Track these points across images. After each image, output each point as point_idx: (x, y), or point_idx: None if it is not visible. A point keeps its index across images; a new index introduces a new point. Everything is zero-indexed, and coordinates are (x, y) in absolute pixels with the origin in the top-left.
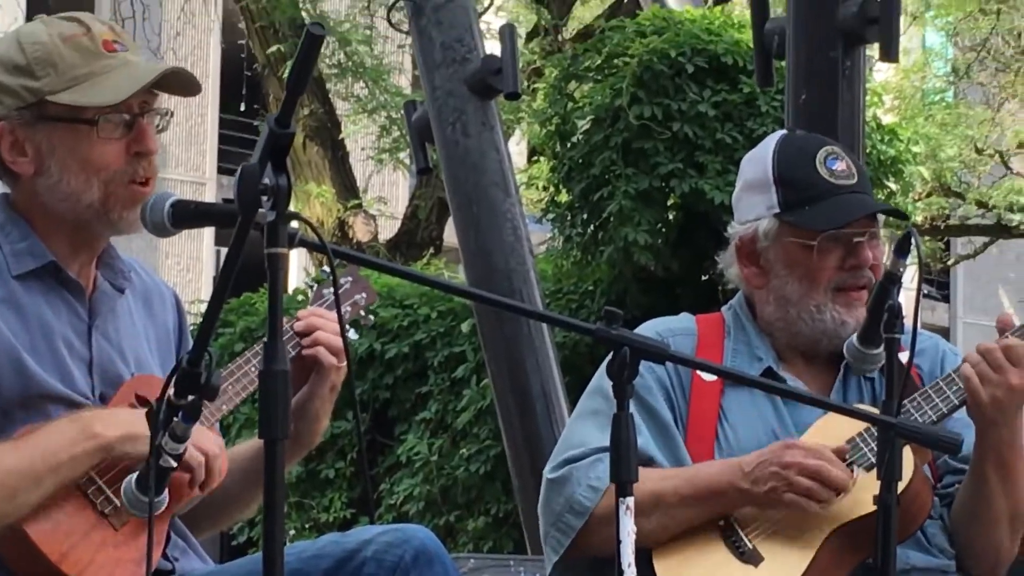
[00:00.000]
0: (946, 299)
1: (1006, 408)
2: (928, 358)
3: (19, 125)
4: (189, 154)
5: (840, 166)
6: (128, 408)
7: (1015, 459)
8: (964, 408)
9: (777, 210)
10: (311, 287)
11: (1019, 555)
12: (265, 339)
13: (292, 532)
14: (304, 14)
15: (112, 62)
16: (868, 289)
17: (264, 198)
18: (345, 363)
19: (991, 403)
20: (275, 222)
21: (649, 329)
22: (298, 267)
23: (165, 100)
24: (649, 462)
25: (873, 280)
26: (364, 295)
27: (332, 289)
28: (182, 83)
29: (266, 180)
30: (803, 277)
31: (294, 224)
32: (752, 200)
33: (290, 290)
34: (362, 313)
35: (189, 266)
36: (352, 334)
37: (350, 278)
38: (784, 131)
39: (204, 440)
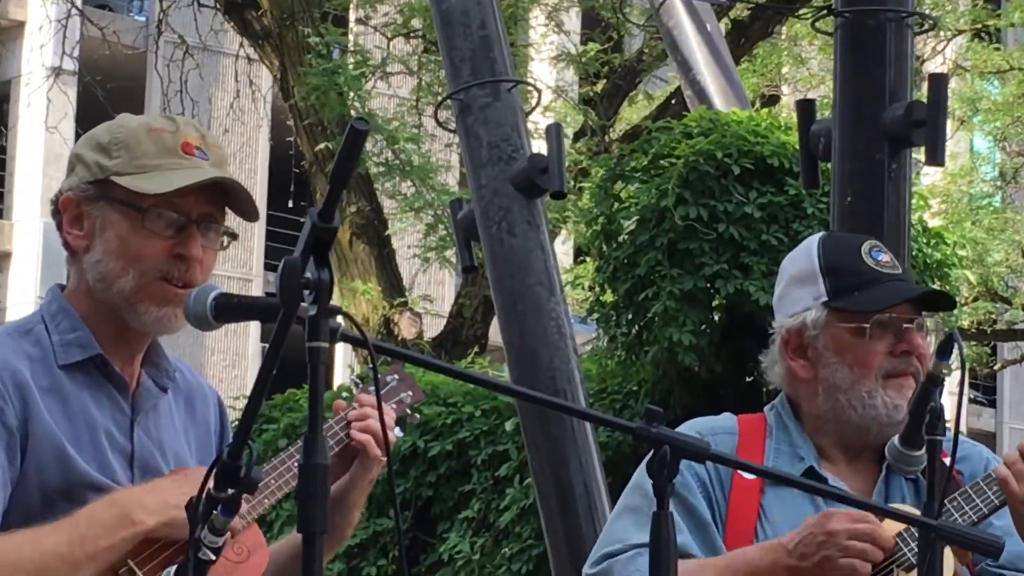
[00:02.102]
0: (992, 404)
1: None
2: (971, 464)
3: (83, 199)
4: (236, 250)
5: (884, 258)
6: (165, 482)
7: None
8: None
9: (825, 299)
10: (356, 384)
11: None
12: (306, 433)
13: None
14: (352, 112)
15: (183, 162)
16: (915, 378)
17: (306, 292)
18: (385, 458)
19: None
20: (316, 316)
21: (690, 428)
22: (343, 365)
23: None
24: (688, 559)
25: (920, 370)
26: (410, 393)
27: (375, 389)
28: (241, 203)
29: (308, 274)
30: (854, 363)
31: (339, 320)
32: (798, 293)
33: (335, 387)
34: (408, 411)
35: (234, 362)
36: (397, 432)
37: (396, 376)
38: (824, 232)
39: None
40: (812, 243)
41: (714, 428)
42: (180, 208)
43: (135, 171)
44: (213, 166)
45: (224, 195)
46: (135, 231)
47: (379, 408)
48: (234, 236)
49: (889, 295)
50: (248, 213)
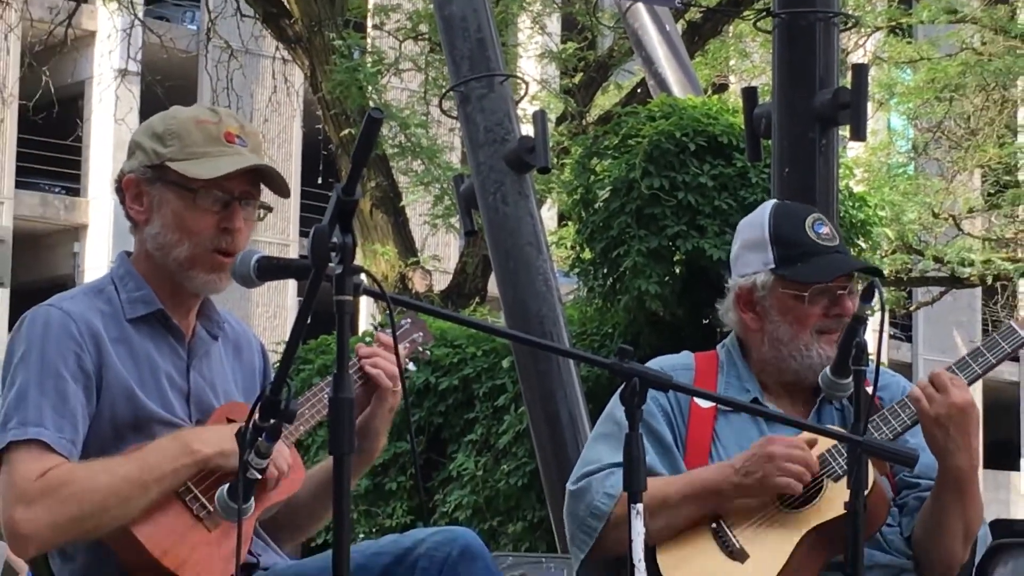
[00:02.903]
0: (909, 339)
1: (949, 426)
2: (891, 391)
3: (143, 180)
4: (276, 220)
5: (825, 230)
6: (219, 425)
7: (970, 485)
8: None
9: (772, 266)
10: (375, 328)
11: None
12: (334, 372)
13: (361, 536)
14: (370, 103)
15: (226, 149)
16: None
17: (333, 254)
18: (399, 388)
19: (935, 420)
20: (342, 274)
21: (654, 365)
22: (367, 315)
23: (267, 197)
24: (654, 476)
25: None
26: (421, 334)
27: (392, 332)
28: (276, 183)
29: (335, 239)
30: (793, 322)
31: (362, 277)
32: (750, 257)
33: (360, 332)
34: (420, 349)
35: (276, 313)
36: (411, 367)
37: (409, 320)
38: (775, 201)
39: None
40: (764, 212)
41: (674, 365)
42: (225, 188)
43: (186, 157)
44: (251, 151)
45: (261, 176)
46: (188, 208)
47: (395, 347)
48: (269, 209)
49: (826, 269)
50: (281, 191)
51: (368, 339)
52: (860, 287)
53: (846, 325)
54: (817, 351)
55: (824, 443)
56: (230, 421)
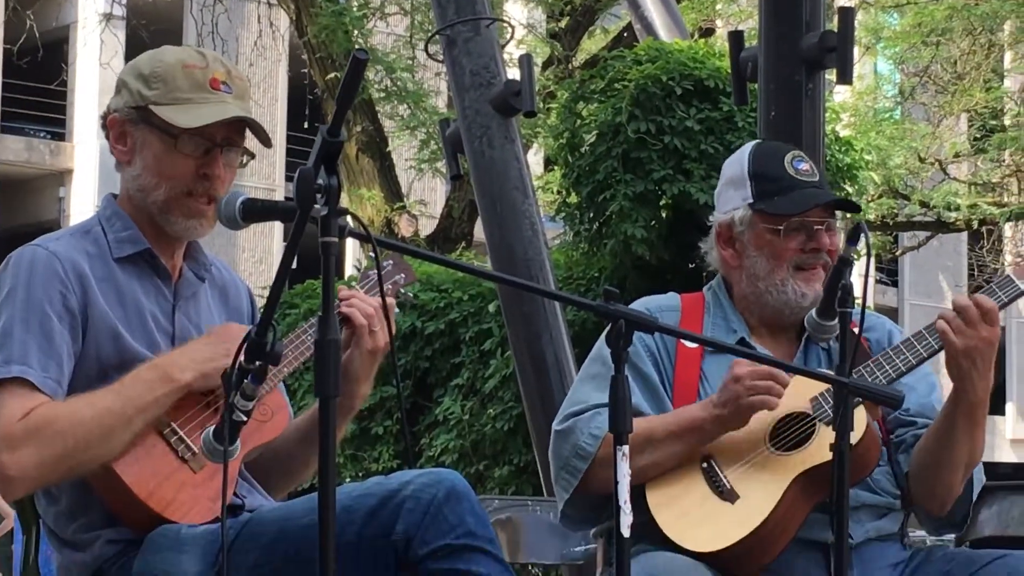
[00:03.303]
0: (895, 284)
1: (976, 358)
2: (877, 332)
3: (127, 120)
4: (262, 165)
5: (804, 167)
6: (195, 343)
7: (982, 414)
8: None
9: (751, 200)
10: (358, 269)
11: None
12: (319, 314)
13: (347, 479)
14: (356, 47)
15: (211, 97)
16: (825, 269)
17: (318, 196)
18: (378, 329)
19: (963, 352)
20: (327, 216)
21: (641, 305)
22: (352, 260)
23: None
24: (640, 416)
25: (830, 263)
26: (404, 275)
27: (375, 271)
28: (258, 133)
29: (320, 181)
30: (770, 256)
31: (347, 219)
32: (730, 194)
33: (345, 277)
34: (402, 290)
35: (262, 258)
36: (394, 308)
37: (392, 262)
38: (758, 140)
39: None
40: (745, 150)
41: (661, 305)
42: (207, 134)
43: (170, 102)
44: (236, 98)
45: (245, 121)
46: (168, 152)
47: (380, 286)
48: (252, 156)
49: (802, 201)
50: (263, 140)
51: (353, 284)
52: (844, 228)
53: (832, 267)
54: (792, 287)
55: (816, 387)
56: None
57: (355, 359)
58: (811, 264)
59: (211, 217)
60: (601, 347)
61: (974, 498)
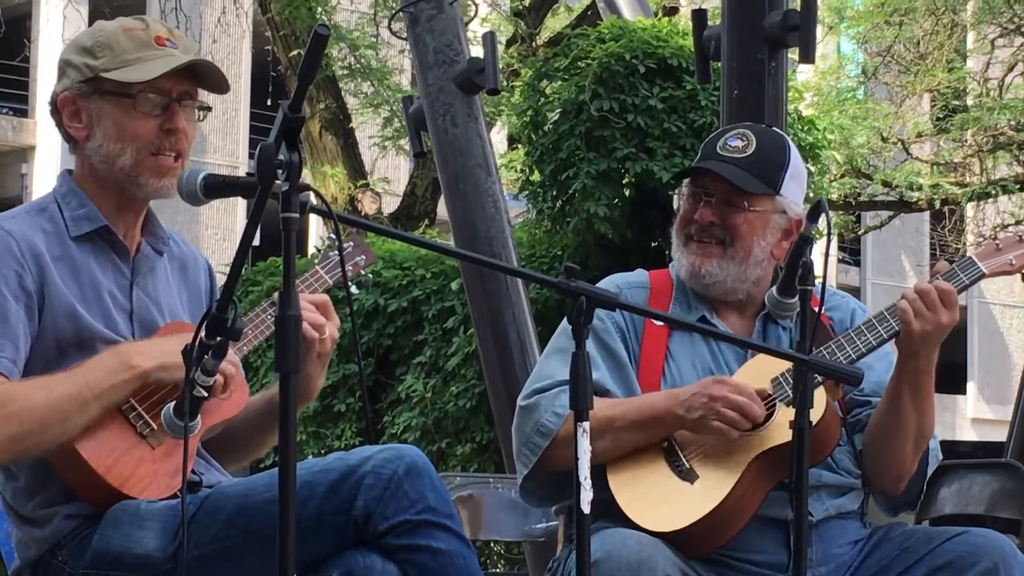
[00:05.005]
0: (857, 263)
1: (931, 341)
2: (840, 311)
3: (79, 96)
4: (225, 142)
5: (736, 143)
6: (161, 338)
7: (928, 383)
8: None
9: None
10: (318, 251)
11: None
12: (280, 289)
13: (310, 456)
14: (319, 23)
15: (158, 52)
16: (722, 243)
17: (280, 171)
18: (327, 335)
19: (921, 335)
20: (288, 191)
21: (610, 283)
22: (315, 238)
23: (206, 98)
24: (605, 393)
25: (726, 237)
26: (364, 257)
27: (336, 252)
28: (214, 79)
29: (281, 156)
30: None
31: (311, 196)
32: None
33: (308, 255)
34: (362, 272)
35: (225, 236)
36: (354, 289)
37: (352, 243)
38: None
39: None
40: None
41: (629, 282)
42: (162, 90)
43: (120, 65)
44: (183, 52)
45: (197, 77)
46: (127, 115)
47: (342, 265)
48: (208, 109)
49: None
50: (219, 87)
51: (315, 262)
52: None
53: (792, 244)
54: (681, 257)
55: (778, 367)
56: None
57: (307, 364)
58: (693, 235)
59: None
60: (567, 321)
61: (928, 474)
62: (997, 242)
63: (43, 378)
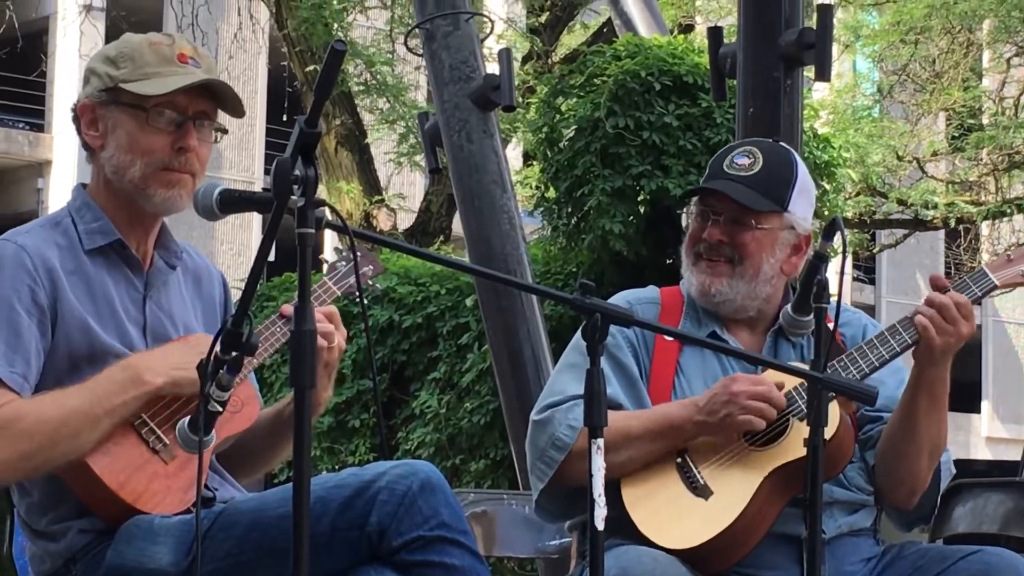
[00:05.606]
0: (872, 282)
1: (950, 352)
2: (852, 328)
3: (97, 104)
4: (241, 158)
5: (742, 161)
6: (171, 348)
7: (943, 391)
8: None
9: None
10: (327, 262)
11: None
12: (295, 304)
13: (324, 472)
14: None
15: (179, 69)
16: (731, 262)
17: (295, 186)
18: (335, 344)
19: (941, 348)
20: (304, 207)
21: (621, 299)
22: (330, 254)
23: (222, 118)
24: (618, 408)
25: (735, 255)
26: (371, 267)
27: (344, 263)
28: (230, 101)
29: (297, 172)
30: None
31: (327, 211)
32: None
33: (323, 270)
34: (370, 282)
35: (240, 251)
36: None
37: (360, 254)
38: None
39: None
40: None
41: (640, 298)
42: (178, 107)
43: (140, 78)
44: (205, 73)
45: (215, 98)
46: (141, 128)
47: (357, 277)
48: (224, 131)
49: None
50: (235, 111)
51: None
52: (819, 228)
53: (807, 262)
54: (690, 276)
55: (790, 383)
56: None
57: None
58: (702, 254)
59: (190, 189)
60: (580, 338)
61: (941, 488)
62: (1009, 254)
63: (53, 393)
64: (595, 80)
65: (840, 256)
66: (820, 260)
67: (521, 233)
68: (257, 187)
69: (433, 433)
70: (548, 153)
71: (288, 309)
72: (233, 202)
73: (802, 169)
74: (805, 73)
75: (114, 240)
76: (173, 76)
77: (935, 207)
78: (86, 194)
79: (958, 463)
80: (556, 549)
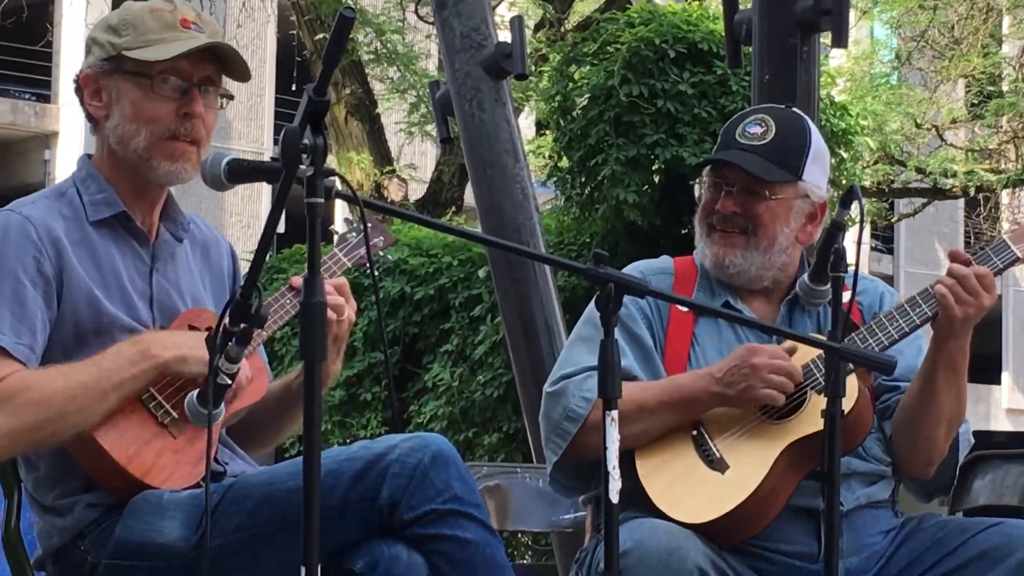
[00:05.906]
0: (890, 251)
1: (971, 323)
2: (868, 296)
3: (100, 74)
4: (250, 128)
5: (755, 129)
6: (181, 331)
7: (963, 362)
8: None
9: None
10: (336, 233)
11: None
12: (304, 275)
13: (336, 446)
14: (344, 6)
15: (182, 34)
16: (744, 232)
17: (304, 156)
18: (345, 316)
19: (962, 319)
20: (313, 176)
21: (634, 269)
22: (340, 225)
23: (230, 86)
24: (632, 379)
25: (748, 226)
26: (381, 238)
27: (354, 235)
28: (236, 67)
29: (306, 140)
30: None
31: (336, 181)
32: None
33: (333, 241)
34: (380, 253)
35: (249, 223)
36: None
37: (369, 224)
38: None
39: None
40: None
41: (653, 268)
42: (183, 73)
43: (142, 45)
44: (209, 37)
45: (220, 63)
46: (146, 96)
47: (367, 249)
48: (230, 97)
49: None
50: (242, 75)
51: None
52: (836, 197)
53: (824, 231)
54: (704, 247)
55: (808, 354)
56: (190, 327)
57: None
58: (716, 226)
59: (195, 161)
60: (593, 310)
61: (960, 458)
62: None
63: (61, 366)
64: (608, 48)
65: (858, 225)
66: (837, 229)
67: (534, 203)
68: (266, 158)
69: (446, 406)
70: (561, 122)
71: (298, 281)
72: (241, 172)
73: (815, 135)
74: (822, 39)
75: (119, 212)
76: (177, 41)
77: (954, 175)
78: (91, 165)
79: (978, 434)
80: (570, 523)
